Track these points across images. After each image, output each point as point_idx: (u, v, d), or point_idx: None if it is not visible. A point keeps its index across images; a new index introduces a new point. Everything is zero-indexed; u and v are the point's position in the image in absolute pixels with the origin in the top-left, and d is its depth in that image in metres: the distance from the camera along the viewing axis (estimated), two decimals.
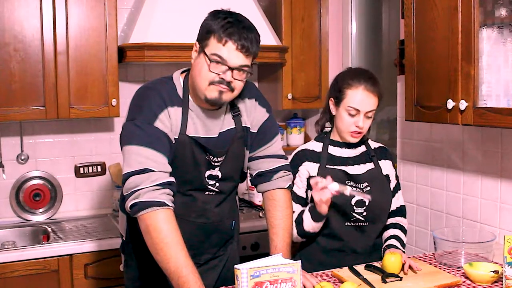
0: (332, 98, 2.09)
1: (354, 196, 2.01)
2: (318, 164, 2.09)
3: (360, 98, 2.00)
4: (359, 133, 2.05)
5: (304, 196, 2.10)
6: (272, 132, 1.99)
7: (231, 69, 1.71)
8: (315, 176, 2.04)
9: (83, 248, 2.63)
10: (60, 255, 2.58)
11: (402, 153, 2.89)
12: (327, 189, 1.91)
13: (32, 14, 2.67)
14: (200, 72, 1.73)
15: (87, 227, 2.91)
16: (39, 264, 2.54)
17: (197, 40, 1.77)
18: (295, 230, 2.05)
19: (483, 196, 2.41)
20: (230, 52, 1.69)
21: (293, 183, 2.06)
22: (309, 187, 2.09)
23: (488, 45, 2.01)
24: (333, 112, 2.10)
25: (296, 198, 2.09)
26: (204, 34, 1.73)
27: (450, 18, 2.06)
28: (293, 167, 2.08)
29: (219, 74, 1.71)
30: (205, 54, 1.71)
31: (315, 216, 1.99)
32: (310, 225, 2.01)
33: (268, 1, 3.36)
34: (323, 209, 1.95)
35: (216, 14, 1.74)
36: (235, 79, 1.73)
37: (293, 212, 2.06)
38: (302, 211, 2.05)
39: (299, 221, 2.04)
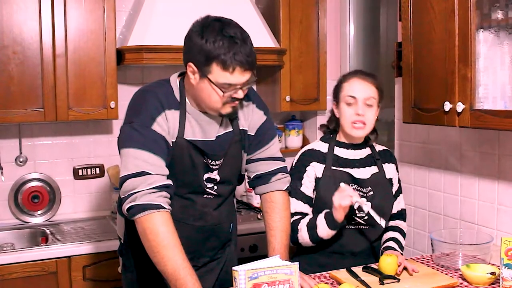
0: (334, 102, 2.12)
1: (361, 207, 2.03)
2: (324, 165, 2.09)
3: (355, 87, 2.04)
4: (362, 123, 2.03)
5: (312, 196, 2.10)
6: (270, 135, 1.99)
7: (242, 87, 1.73)
8: (320, 177, 2.07)
9: (81, 250, 2.63)
10: (58, 257, 2.58)
11: (400, 155, 2.90)
12: (349, 197, 1.92)
13: (31, 16, 2.67)
14: (210, 97, 1.73)
15: (86, 229, 2.91)
16: (37, 266, 2.54)
17: (192, 62, 1.71)
18: (306, 235, 2.03)
19: (481, 198, 2.41)
20: (239, 77, 1.69)
21: (300, 183, 2.07)
22: (316, 187, 2.09)
23: (485, 47, 2.02)
24: (337, 114, 2.11)
25: (304, 198, 2.08)
26: (203, 61, 1.67)
27: (447, 21, 2.07)
28: (300, 167, 2.09)
29: (231, 95, 1.73)
30: (211, 81, 1.69)
31: (331, 223, 1.98)
32: (325, 232, 2.00)
33: (266, 4, 3.37)
34: (339, 214, 1.95)
35: (205, 33, 1.67)
36: (243, 90, 1.76)
37: (306, 214, 2.07)
38: (315, 217, 2.03)
39: (312, 226, 2.01)
